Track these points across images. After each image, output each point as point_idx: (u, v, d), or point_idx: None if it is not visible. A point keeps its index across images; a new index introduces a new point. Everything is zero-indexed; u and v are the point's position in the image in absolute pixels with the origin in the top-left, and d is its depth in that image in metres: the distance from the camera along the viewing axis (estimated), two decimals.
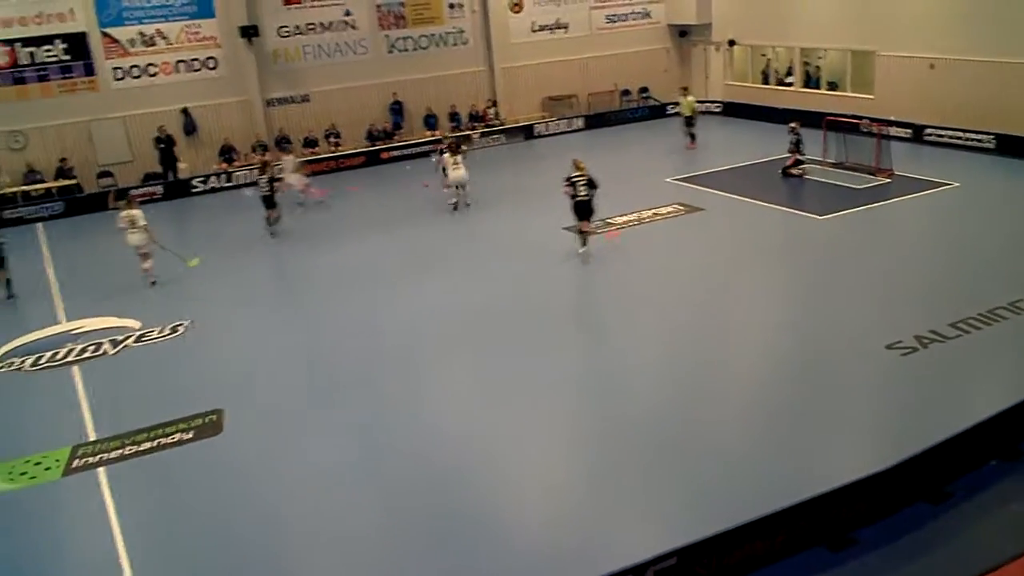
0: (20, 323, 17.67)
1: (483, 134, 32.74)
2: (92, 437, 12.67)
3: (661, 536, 8.94)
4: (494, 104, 33.89)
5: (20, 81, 27.35)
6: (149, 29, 28.71)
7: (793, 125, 24.51)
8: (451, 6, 33.13)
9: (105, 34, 28.15)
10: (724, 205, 22.25)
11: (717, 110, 35.24)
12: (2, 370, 15.45)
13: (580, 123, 34.44)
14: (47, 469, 11.90)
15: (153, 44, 28.90)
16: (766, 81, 34.87)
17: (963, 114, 26.40)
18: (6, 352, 16.14)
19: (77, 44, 27.85)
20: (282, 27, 30.53)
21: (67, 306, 18.42)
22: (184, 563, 9.76)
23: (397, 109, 32.46)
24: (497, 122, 33.56)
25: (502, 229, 21.84)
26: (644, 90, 36.73)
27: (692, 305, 16.14)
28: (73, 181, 27.82)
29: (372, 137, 31.62)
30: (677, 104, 31.79)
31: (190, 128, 29.69)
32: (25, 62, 27.28)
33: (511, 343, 14.86)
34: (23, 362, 15.65)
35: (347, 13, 31.39)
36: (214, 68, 29.91)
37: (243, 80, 30.08)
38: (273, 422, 12.73)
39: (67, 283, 20.05)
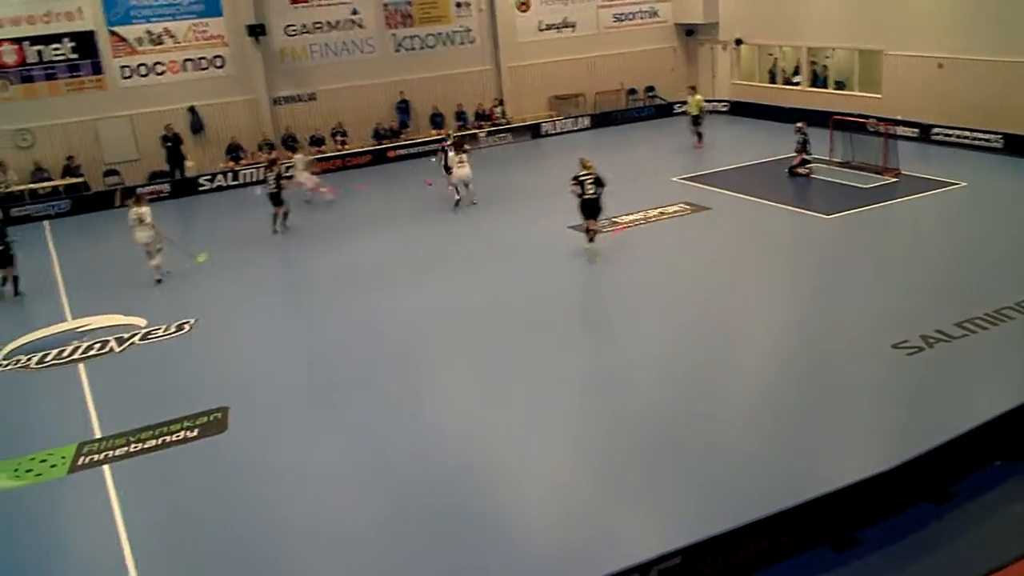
0: (26, 321, 17.72)
1: (489, 133, 32.75)
2: (98, 435, 12.71)
3: (665, 535, 8.93)
4: (501, 103, 33.89)
5: (28, 79, 27.45)
6: (157, 28, 28.79)
7: (800, 125, 24.47)
8: (458, 5, 33.14)
9: (113, 33, 28.24)
10: (730, 204, 22.22)
11: (724, 109, 35.19)
12: (8, 368, 15.50)
13: (586, 122, 34.41)
14: (53, 466, 11.94)
15: (160, 43, 28.97)
16: (773, 80, 34.82)
17: (971, 113, 26.31)
18: (12, 350, 16.18)
19: (85, 43, 27.93)
20: (289, 26, 30.57)
21: (73, 304, 18.47)
22: (188, 560, 9.79)
23: (404, 108, 32.49)
24: (504, 121, 33.56)
25: (507, 228, 21.85)
26: (651, 89, 36.69)
27: (697, 304, 16.11)
28: (80, 179, 27.89)
29: (378, 136, 31.64)
30: (684, 103, 31.81)
31: (197, 127, 29.75)
32: (33, 60, 27.37)
33: (515, 342, 14.86)
34: (29, 360, 15.70)
35: (354, 12, 31.41)
36: (221, 67, 29.97)
37: (250, 79, 30.13)
38: (277, 420, 12.76)
39: (73, 281, 20.10)
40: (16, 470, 11.91)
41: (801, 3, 32.25)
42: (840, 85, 31.78)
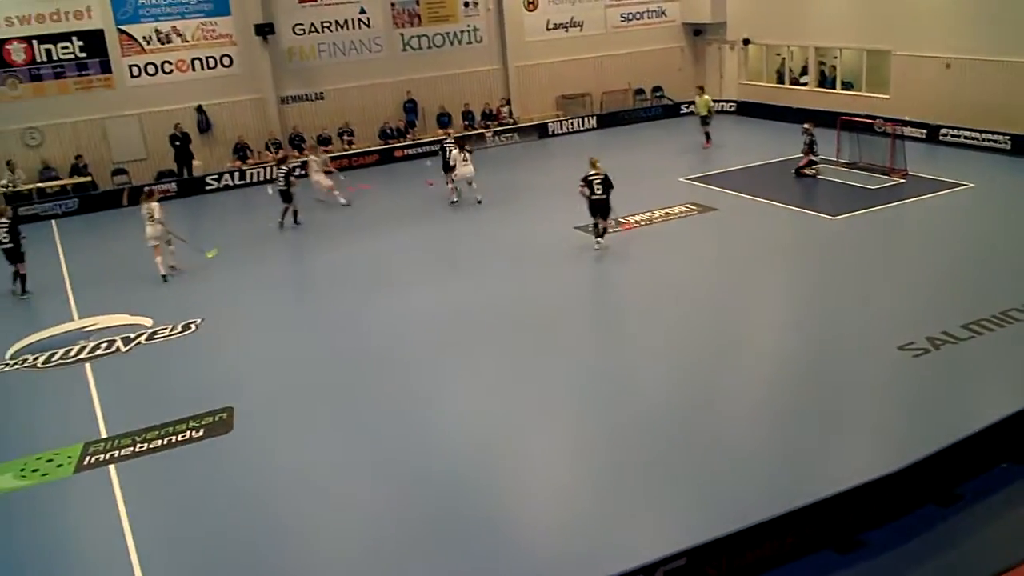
0: (33, 320, 17.79)
1: (496, 133, 32.75)
2: (104, 434, 12.74)
3: (670, 536, 8.93)
4: (508, 102, 33.88)
5: (37, 78, 27.51)
6: (165, 26, 28.83)
7: (807, 126, 24.42)
8: (466, 4, 33.15)
9: (121, 31, 28.29)
10: (737, 205, 22.19)
11: (731, 109, 35.11)
12: (15, 367, 15.54)
13: (593, 122, 34.38)
14: (59, 466, 11.97)
15: (169, 42, 29.01)
16: (781, 80, 34.75)
17: (979, 114, 26.23)
18: (19, 349, 16.23)
19: (94, 41, 27.99)
20: (297, 25, 30.61)
21: (80, 303, 18.51)
22: (193, 560, 9.81)
23: (411, 107, 32.50)
24: (511, 121, 33.55)
25: (514, 228, 21.84)
26: (658, 89, 36.65)
27: (703, 305, 16.09)
28: (88, 178, 27.95)
29: (385, 135, 31.65)
30: (692, 103, 31.78)
31: (204, 126, 29.80)
32: (42, 59, 27.43)
33: (519, 342, 14.88)
34: (36, 359, 15.75)
35: (362, 11, 31.43)
36: (229, 66, 30.01)
37: (258, 78, 30.17)
38: (283, 421, 12.79)
39: (80, 280, 20.16)
40: (22, 470, 11.95)
41: (809, 3, 32.19)
42: (848, 85, 31.71)
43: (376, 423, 12.48)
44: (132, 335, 16.45)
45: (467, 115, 33.13)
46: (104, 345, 16.11)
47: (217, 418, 12.89)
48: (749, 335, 14.96)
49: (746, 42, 35.32)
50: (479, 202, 23.88)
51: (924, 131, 27.19)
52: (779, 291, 17.05)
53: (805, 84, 33.34)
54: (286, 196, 22.78)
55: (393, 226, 22.61)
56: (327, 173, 25.18)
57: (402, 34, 32.31)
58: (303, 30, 30.73)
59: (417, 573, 9.25)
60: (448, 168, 24.04)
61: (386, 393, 13.37)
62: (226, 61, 29.93)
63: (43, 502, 11.19)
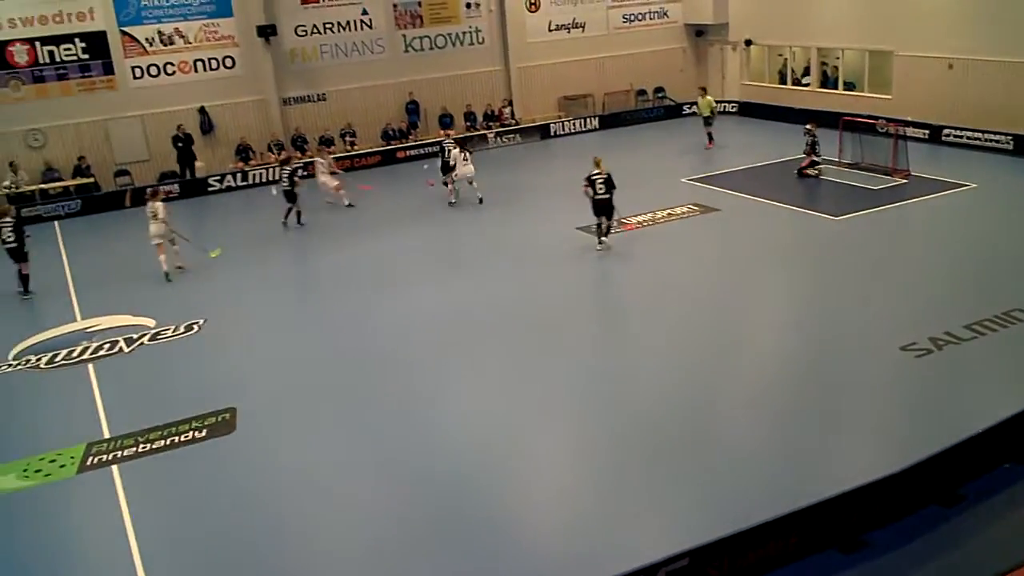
0: (36, 321, 17.82)
1: (498, 134, 32.76)
2: (107, 435, 12.75)
3: (673, 537, 8.94)
4: (510, 103, 33.89)
5: (40, 80, 27.56)
6: (168, 28, 28.87)
7: (809, 127, 24.43)
8: (468, 5, 33.16)
9: (124, 33, 28.33)
10: (739, 206, 22.18)
11: (733, 110, 35.11)
12: (18, 368, 15.56)
13: (595, 123, 34.38)
14: (62, 466, 11.98)
15: (171, 43, 29.05)
16: (783, 81, 34.72)
17: (981, 115, 26.21)
18: (22, 350, 16.25)
19: (96, 43, 28.03)
20: (299, 26, 30.63)
21: (83, 304, 18.53)
22: (196, 560, 9.81)
23: (413, 108, 32.51)
24: (513, 122, 33.56)
25: (516, 228, 21.85)
26: (660, 90, 36.65)
27: (706, 305, 16.09)
28: (90, 179, 27.98)
29: (388, 136, 31.67)
30: (694, 104, 31.78)
31: (207, 127, 29.83)
32: (45, 61, 27.48)
33: (521, 342, 14.88)
34: (39, 360, 15.77)
35: (364, 12, 31.45)
36: (232, 67, 30.05)
37: (260, 79, 30.19)
38: (286, 421, 12.79)
39: (83, 281, 20.18)
40: (25, 470, 11.96)
41: (811, 4, 32.18)
42: (850, 86, 31.69)
43: (378, 423, 12.49)
44: (135, 336, 16.46)
45: (469, 116, 33.14)
46: (107, 346, 16.13)
47: (220, 418, 12.90)
48: (751, 335, 14.97)
49: (748, 43, 35.31)
50: (480, 201, 23.94)
51: (926, 131, 27.18)
52: (781, 291, 17.04)
53: (807, 85, 33.32)
54: (290, 196, 22.92)
55: (396, 227, 22.62)
56: (332, 174, 25.19)
57: (404, 35, 32.33)
58: (305, 31, 30.76)
59: (419, 573, 9.24)
60: (448, 168, 24.10)
61: (388, 393, 13.37)
62: (228, 62, 29.96)
63: (46, 502, 11.20)
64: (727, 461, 10.79)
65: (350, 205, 24.63)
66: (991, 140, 25.70)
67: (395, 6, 31.92)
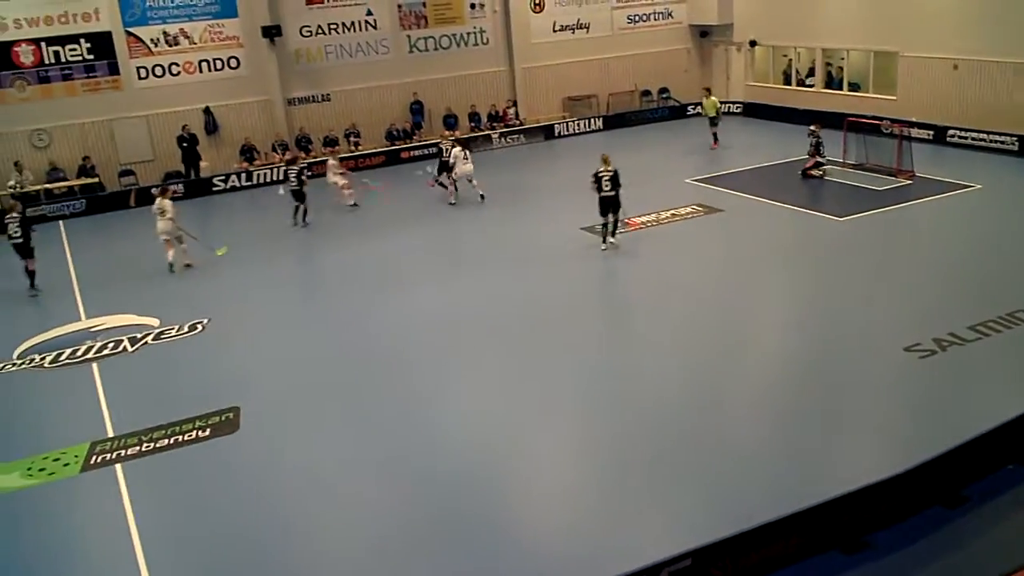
0: (41, 320, 17.84)
1: (503, 134, 32.77)
2: (110, 434, 12.77)
3: (675, 537, 8.93)
4: (514, 104, 33.88)
5: (45, 80, 27.63)
6: (173, 29, 28.93)
7: (813, 128, 24.41)
8: (472, 6, 33.16)
9: (129, 33, 28.39)
10: (743, 206, 22.17)
11: (737, 111, 35.10)
12: (23, 367, 15.60)
13: (600, 123, 34.38)
14: (66, 465, 12.00)
15: (176, 44, 29.10)
16: (787, 82, 34.69)
17: (986, 116, 26.19)
18: (27, 349, 16.29)
19: (101, 43, 28.10)
20: (304, 27, 30.67)
21: (87, 303, 18.58)
22: (200, 559, 9.83)
23: (417, 109, 32.51)
24: (517, 122, 33.56)
25: (520, 228, 21.86)
26: (664, 91, 36.63)
27: (709, 306, 16.07)
28: (95, 179, 28.04)
29: (392, 137, 31.69)
30: (699, 105, 31.76)
31: (212, 127, 29.87)
32: (50, 61, 27.55)
33: (524, 342, 14.88)
34: (43, 359, 15.80)
35: (369, 13, 31.48)
36: (236, 68, 30.09)
37: (265, 80, 30.23)
38: (289, 420, 12.81)
39: (88, 280, 20.21)
40: (29, 469, 11.99)
41: (816, 4, 32.15)
42: (854, 87, 31.66)
43: (382, 422, 12.50)
44: (139, 335, 16.49)
45: (473, 117, 33.14)
46: (111, 345, 16.16)
47: (223, 418, 12.92)
48: (755, 336, 14.96)
49: (753, 43, 35.30)
50: (482, 199, 24.02)
51: (931, 132, 27.15)
52: (785, 292, 17.03)
53: (812, 85, 33.29)
54: (298, 195, 23.04)
55: (399, 226, 22.64)
56: (341, 174, 25.20)
57: (409, 36, 32.35)
58: (310, 32, 30.80)
59: (422, 572, 9.25)
60: (448, 168, 24.21)
61: (392, 392, 13.39)
62: (233, 63, 30.01)
63: (50, 501, 11.22)
64: (730, 461, 10.78)
65: (355, 205, 24.64)
66: (996, 141, 25.67)
67: (400, 7, 31.95)
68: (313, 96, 31.32)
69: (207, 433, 12.55)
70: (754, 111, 34.63)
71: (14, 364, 15.71)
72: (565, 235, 20.38)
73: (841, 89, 32.05)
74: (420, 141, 31.68)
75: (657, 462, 10.96)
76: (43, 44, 27.38)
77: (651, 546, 8.79)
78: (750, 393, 12.81)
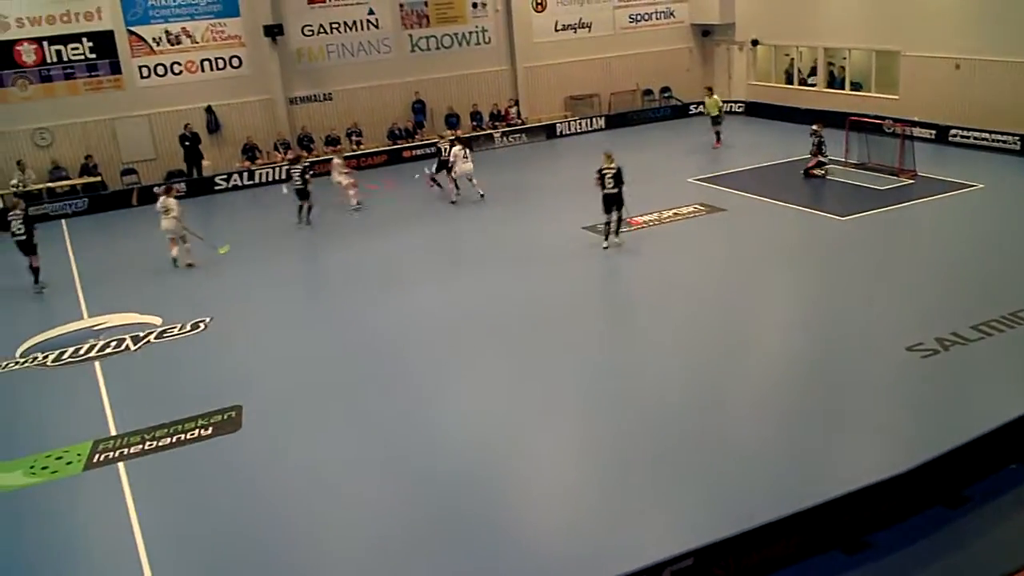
0: (44, 318, 17.86)
1: (505, 133, 32.78)
2: (113, 432, 12.79)
3: (677, 536, 8.94)
4: (516, 103, 33.88)
5: (47, 79, 27.64)
6: (175, 28, 28.94)
7: (815, 127, 24.40)
8: (474, 5, 33.17)
9: (131, 32, 28.41)
10: (745, 205, 22.17)
11: (739, 110, 35.07)
12: (25, 365, 15.62)
13: (602, 123, 34.37)
14: (68, 463, 12.02)
15: (178, 43, 29.12)
16: (789, 81, 34.69)
17: (988, 115, 26.16)
18: (29, 347, 16.31)
19: (103, 42, 28.11)
20: (306, 26, 30.68)
21: (90, 302, 18.60)
22: (202, 557, 9.85)
23: (419, 108, 32.52)
24: (519, 121, 33.56)
25: (522, 228, 21.87)
26: (666, 90, 36.61)
27: (711, 306, 16.07)
28: (97, 178, 28.06)
29: (394, 136, 31.70)
30: (700, 104, 31.75)
31: (214, 126, 29.89)
32: (52, 60, 27.56)
33: (526, 342, 14.88)
34: (46, 357, 15.81)
35: (370, 12, 31.49)
36: (238, 67, 30.11)
37: (267, 79, 30.24)
38: (291, 419, 12.82)
39: (90, 279, 20.24)
40: (32, 467, 12.00)
41: (818, 4, 32.14)
42: (857, 86, 31.64)
43: (383, 422, 12.50)
44: (141, 334, 16.51)
45: (475, 116, 33.15)
46: (114, 344, 16.17)
47: (226, 416, 12.93)
48: (757, 335, 14.96)
49: (755, 43, 35.28)
50: (481, 197, 24.03)
51: (933, 132, 27.14)
52: (787, 291, 17.03)
53: (814, 85, 33.28)
54: (303, 194, 23.12)
55: (401, 226, 22.66)
56: (345, 173, 25.20)
57: (410, 35, 32.36)
58: (312, 31, 30.81)
59: (424, 572, 9.25)
60: (448, 168, 24.27)
61: (394, 392, 13.39)
62: (235, 62, 30.02)
63: (53, 499, 11.24)
64: (732, 460, 10.79)
65: (359, 204, 24.58)
66: (998, 140, 25.66)
67: (401, 6, 31.95)
68: (315, 95, 31.33)
69: (209, 432, 12.56)
70: (756, 110, 34.61)
71: (17, 362, 15.73)
72: (567, 234, 20.39)
73: (843, 88, 32.04)
74: (422, 140, 31.67)
75: (659, 461, 10.96)
76: (45, 43, 27.39)
77: (653, 545, 8.81)
78: (752, 393, 12.81)
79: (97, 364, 15.38)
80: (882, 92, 30.18)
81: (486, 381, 13.66)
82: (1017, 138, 25.11)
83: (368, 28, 31.59)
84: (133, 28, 28.39)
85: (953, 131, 26.92)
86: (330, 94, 31.50)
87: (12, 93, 27.21)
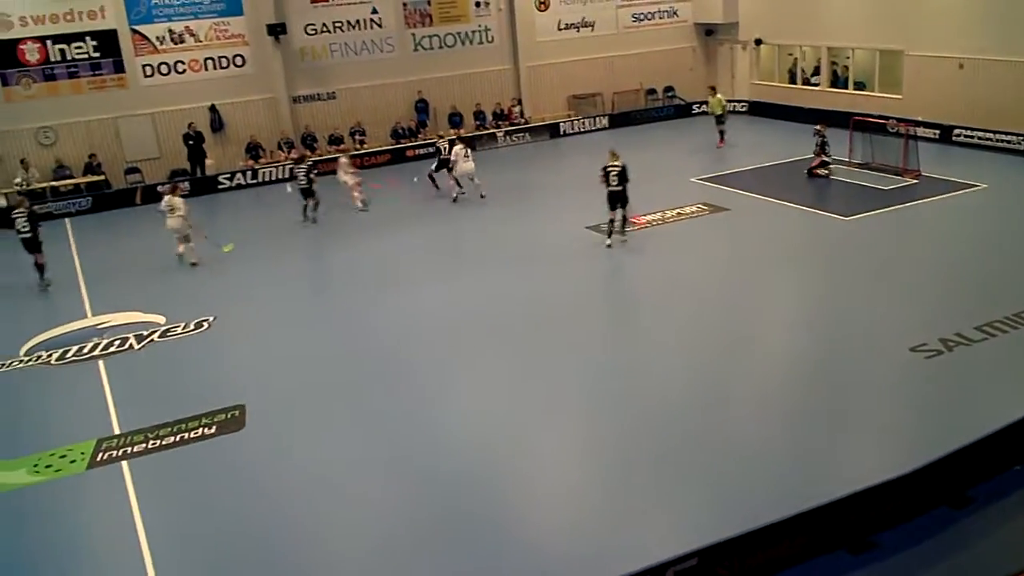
0: (48, 317, 17.88)
1: (508, 132, 32.77)
2: (117, 431, 12.80)
3: (681, 536, 8.94)
4: (519, 102, 33.88)
5: (50, 78, 27.68)
6: (178, 26, 28.96)
7: (818, 127, 24.37)
8: (477, 4, 33.17)
9: (135, 31, 28.43)
10: (748, 205, 22.15)
11: (743, 109, 34.99)
12: (30, 364, 15.64)
13: (605, 122, 34.34)
14: (72, 462, 12.04)
15: (182, 41, 29.14)
16: (793, 81, 34.65)
17: (992, 115, 26.12)
18: (34, 346, 16.33)
19: (107, 41, 28.13)
20: (309, 25, 30.70)
21: (94, 301, 18.61)
22: (205, 555, 9.86)
23: (422, 107, 32.54)
24: (522, 120, 33.55)
25: (525, 227, 21.86)
26: (670, 89, 36.59)
27: (714, 306, 16.06)
28: (101, 177, 28.10)
29: (397, 135, 31.71)
30: (704, 103, 31.75)
31: (217, 125, 29.91)
32: (56, 59, 27.59)
33: (529, 341, 14.88)
34: (50, 356, 15.83)
35: (374, 11, 31.50)
36: (242, 65, 30.13)
37: (270, 78, 30.26)
38: (294, 418, 12.83)
39: (94, 278, 20.27)
40: (36, 465, 12.02)
41: (821, 3, 32.11)
42: (860, 85, 31.61)
43: (387, 421, 12.50)
44: (145, 333, 16.53)
45: (478, 115, 33.14)
46: (117, 342, 16.19)
47: (229, 415, 12.94)
48: (760, 335, 14.94)
49: (758, 42, 35.25)
50: (483, 196, 24.04)
51: (937, 131, 27.09)
52: (791, 291, 17.01)
53: (817, 84, 33.25)
54: (308, 193, 23.17)
55: (405, 225, 22.66)
56: (351, 173, 25.20)
57: (414, 34, 32.37)
58: (315, 30, 30.82)
59: (426, 571, 9.25)
60: (448, 166, 24.29)
61: (397, 391, 13.39)
62: (239, 61, 30.04)
63: (56, 498, 11.25)
64: (736, 460, 10.78)
65: (364, 204, 24.53)
66: (1002, 140, 25.61)
67: (404, 5, 31.95)
68: (318, 94, 31.35)
69: (213, 431, 12.57)
70: (759, 110, 34.56)
71: (21, 361, 15.75)
72: (570, 234, 20.38)
73: (847, 88, 32.00)
74: (425, 139, 31.66)
75: (662, 461, 10.96)
76: (49, 42, 27.42)
77: (657, 545, 8.80)
78: (755, 392, 12.79)
79: (101, 363, 15.39)
80: (886, 92, 30.14)
81: (489, 380, 13.65)
82: (1021, 138, 25.05)
83: (371, 27, 31.60)
84: (137, 27, 28.41)
85: (957, 131, 26.88)
86: (333, 93, 31.51)
87: (16, 92, 27.25)
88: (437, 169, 25.25)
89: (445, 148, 24.81)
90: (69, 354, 15.84)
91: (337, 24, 31.07)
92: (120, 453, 12.14)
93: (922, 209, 21.01)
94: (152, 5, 28.45)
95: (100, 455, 12.12)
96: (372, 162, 30.28)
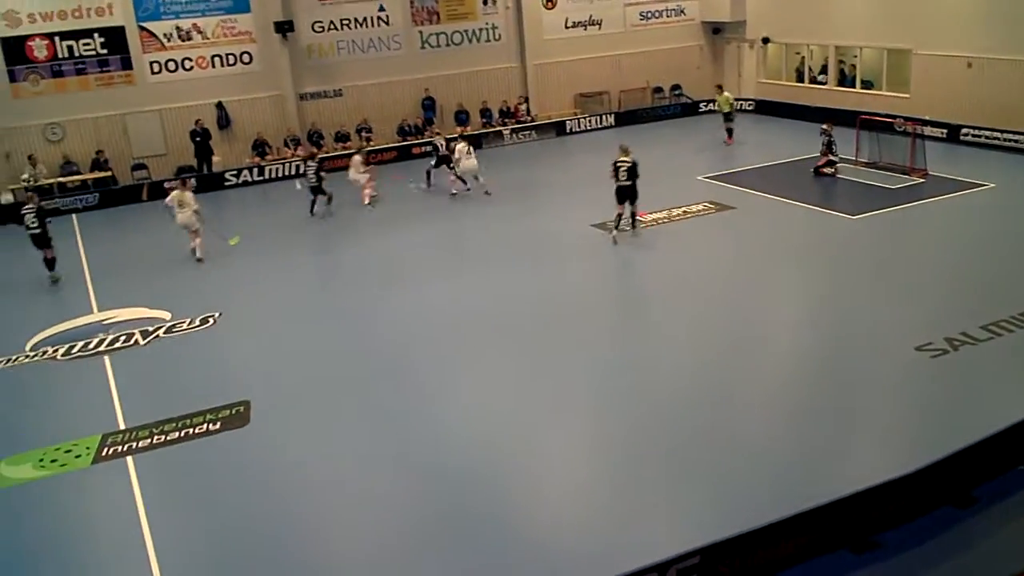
0: (53, 312, 17.92)
1: (514, 130, 32.77)
2: (122, 426, 12.83)
3: (684, 534, 8.92)
4: (526, 100, 33.88)
5: (58, 74, 27.77)
6: (186, 24, 29.04)
7: (825, 127, 24.32)
8: (485, 2, 33.19)
9: (142, 28, 28.51)
10: (755, 204, 22.11)
11: (750, 108, 34.91)
12: (35, 359, 15.68)
13: (612, 120, 34.30)
14: (77, 457, 12.07)
15: (189, 39, 29.22)
16: (800, 79, 34.58)
17: (1000, 114, 26.03)
18: (39, 341, 16.38)
19: (115, 38, 28.22)
20: (316, 22, 30.73)
21: (100, 297, 18.67)
22: (209, 550, 9.88)
23: (429, 105, 32.55)
24: (528, 118, 33.55)
25: (531, 225, 21.85)
26: (676, 87, 36.55)
27: (720, 304, 16.03)
28: (108, 173, 28.17)
29: (403, 132, 31.72)
30: (711, 102, 31.70)
31: (224, 122, 29.97)
32: (64, 55, 27.69)
33: (536, 339, 14.87)
34: (56, 351, 15.87)
35: (381, 9, 31.53)
36: (249, 63, 30.19)
37: (277, 75, 30.31)
38: (299, 414, 12.84)
39: (100, 274, 20.31)
40: (41, 460, 12.06)
41: (829, 2, 32.03)
42: (868, 84, 31.52)
43: (392, 418, 12.51)
44: (151, 328, 16.57)
45: (485, 113, 33.15)
46: (123, 338, 16.23)
47: (234, 411, 12.96)
48: (766, 334, 14.91)
49: (765, 41, 35.17)
50: (488, 194, 24.03)
51: (944, 131, 27.01)
52: (797, 290, 16.98)
53: (824, 83, 33.17)
54: (317, 191, 23.32)
55: (411, 222, 22.68)
56: (363, 172, 25.21)
57: (421, 32, 32.38)
58: (322, 27, 30.85)
59: (432, 568, 9.26)
60: (448, 163, 24.36)
61: (403, 388, 13.40)
62: (246, 58, 30.10)
63: (61, 492, 11.29)
64: (740, 458, 10.77)
65: (372, 203, 24.49)
66: (1010, 140, 25.52)
67: (412, 2, 31.98)
68: (325, 91, 31.38)
69: (217, 426, 12.59)
70: (766, 108, 34.47)
71: (27, 356, 15.80)
72: (576, 232, 20.38)
73: (854, 87, 31.91)
74: (432, 137, 31.61)
75: (666, 459, 10.95)
76: (57, 39, 27.51)
77: (660, 543, 8.79)
78: (761, 390, 12.77)
79: (106, 358, 15.43)
80: (893, 90, 30.06)
81: (496, 377, 13.65)
82: None
83: (378, 24, 31.63)
84: (144, 24, 28.49)
85: (964, 130, 26.78)
86: (340, 90, 31.54)
87: (24, 88, 27.35)
88: (436, 165, 25.22)
89: (442, 145, 24.90)
90: (75, 350, 15.88)
91: (344, 21, 31.11)
92: (125, 448, 12.17)
93: (929, 208, 20.95)
94: (160, 2, 28.53)
95: (105, 450, 12.16)
96: (379, 159, 30.19)
